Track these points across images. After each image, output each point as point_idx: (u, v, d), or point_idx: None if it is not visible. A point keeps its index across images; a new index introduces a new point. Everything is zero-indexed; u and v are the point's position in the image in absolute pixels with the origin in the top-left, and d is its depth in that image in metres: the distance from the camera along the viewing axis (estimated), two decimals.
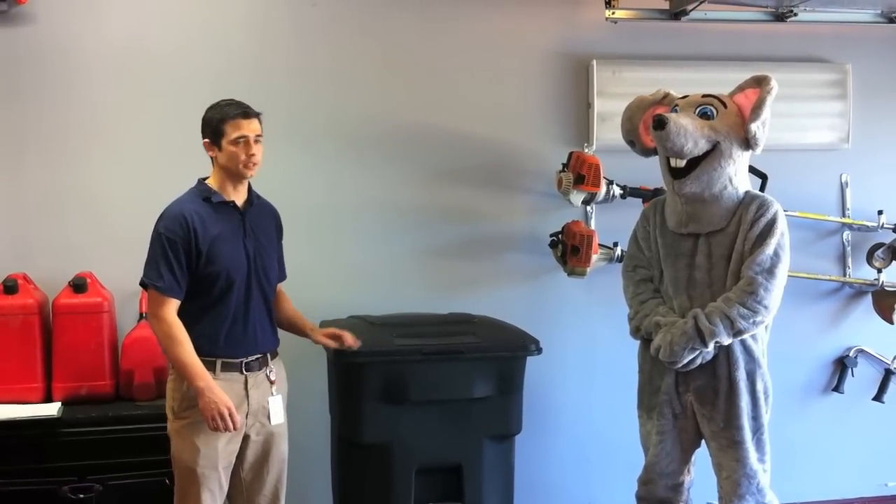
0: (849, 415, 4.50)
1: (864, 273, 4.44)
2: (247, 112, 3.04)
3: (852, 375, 4.46)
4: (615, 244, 4.04)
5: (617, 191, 4.03)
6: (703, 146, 3.09)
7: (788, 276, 4.24)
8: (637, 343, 3.35)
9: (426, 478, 3.48)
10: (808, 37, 4.38)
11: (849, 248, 4.46)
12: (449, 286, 4.10)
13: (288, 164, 3.97)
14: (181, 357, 2.92)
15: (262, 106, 3.90)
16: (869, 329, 4.48)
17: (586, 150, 4.05)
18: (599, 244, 4.00)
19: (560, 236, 4.02)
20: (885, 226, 4.38)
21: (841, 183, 4.45)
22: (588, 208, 4.15)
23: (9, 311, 3.50)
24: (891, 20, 4.33)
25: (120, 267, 3.80)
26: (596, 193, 3.95)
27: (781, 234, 3.12)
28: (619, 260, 4.04)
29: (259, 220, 3.16)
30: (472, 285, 4.12)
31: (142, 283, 3.01)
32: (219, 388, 2.93)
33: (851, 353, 4.47)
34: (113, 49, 3.83)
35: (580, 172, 3.90)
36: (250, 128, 3.03)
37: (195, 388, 2.90)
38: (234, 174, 3.06)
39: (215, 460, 3.01)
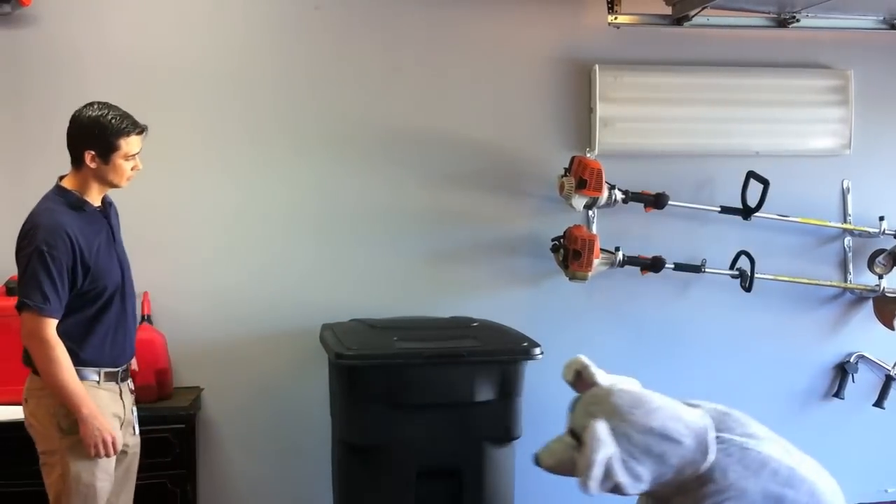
0: (849, 421, 4.49)
1: (865, 279, 4.44)
2: (142, 128, 2.94)
3: (853, 381, 4.46)
4: (617, 249, 4.05)
5: (619, 195, 4.03)
6: None
7: (790, 281, 4.28)
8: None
9: (426, 481, 3.48)
10: (810, 43, 4.38)
11: (850, 254, 4.46)
12: (451, 290, 4.10)
13: (289, 168, 3.98)
14: (65, 382, 2.76)
15: (263, 110, 3.95)
16: (870, 335, 4.47)
17: (588, 155, 4.05)
18: (601, 249, 4.00)
19: (562, 241, 4.03)
20: (887, 231, 4.37)
21: (842, 189, 4.45)
22: (590, 213, 4.15)
23: (11, 313, 3.47)
24: (893, 26, 4.32)
25: None
26: (598, 198, 3.95)
27: None
28: (621, 265, 4.05)
29: (116, 222, 3.07)
30: (474, 289, 4.12)
31: (20, 305, 2.77)
32: (101, 415, 2.82)
33: (852, 359, 4.46)
34: (116, 51, 3.83)
35: (582, 177, 3.90)
36: (140, 143, 2.94)
37: (78, 415, 2.77)
38: (110, 185, 2.95)
39: (111, 472, 2.92)
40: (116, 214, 3.09)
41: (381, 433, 3.44)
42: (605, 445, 2.58)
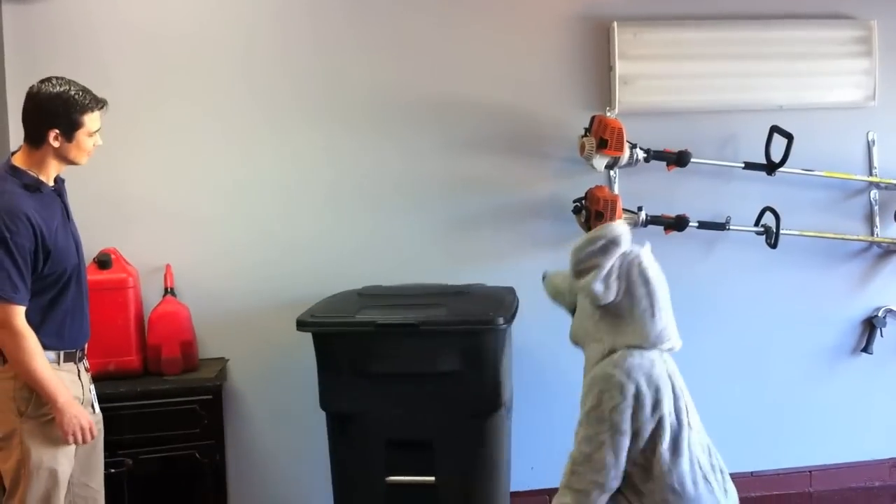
0: (878, 375, 4.46)
1: (892, 232, 4.39)
2: (104, 103, 2.85)
3: (881, 335, 4.42)
4: (640, 208, 4.01)
5: (640, 154, 3.98)
6: None
7: (816, 236, 4.23)
8: None
9: (399, 451, 3.42)
10: None
11: (876, 207, 4.40)
12: (471, 257, 4.07)
13: (305, 138, 3.96)
14: (40, 372, 2.72)
15: (281, 79, 3.93)
16: None
17: (608, 114, 4.00)
18: (624, 209, 3.97)
19: (584, 202, 3.99)
20: None
21: (867, 141, 4.38)
22: (611, 173, 4.11)
23: None
24: None
25: (143, 242, 3.82)
26: (619, 158, 3.91)
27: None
28: (644, 225, 4.01)
29: (66, 199, 2.97)
30: (496, 254, 4.09)
31: None
32: (77, 403, 2.81)
33: (880, 313, 4.42)
34: (132, 24, 3.81)
35: (603, 137, 3.86)
36: (100, 119, 2.86)
37: (54, 404, 2.74)
38: (70, 163, 2.87)
39: (72, 456, 2.87)
40: (64, 188, 2.99)
41: (347, 401, 3.41)
42: (623, 230, 2.72)
